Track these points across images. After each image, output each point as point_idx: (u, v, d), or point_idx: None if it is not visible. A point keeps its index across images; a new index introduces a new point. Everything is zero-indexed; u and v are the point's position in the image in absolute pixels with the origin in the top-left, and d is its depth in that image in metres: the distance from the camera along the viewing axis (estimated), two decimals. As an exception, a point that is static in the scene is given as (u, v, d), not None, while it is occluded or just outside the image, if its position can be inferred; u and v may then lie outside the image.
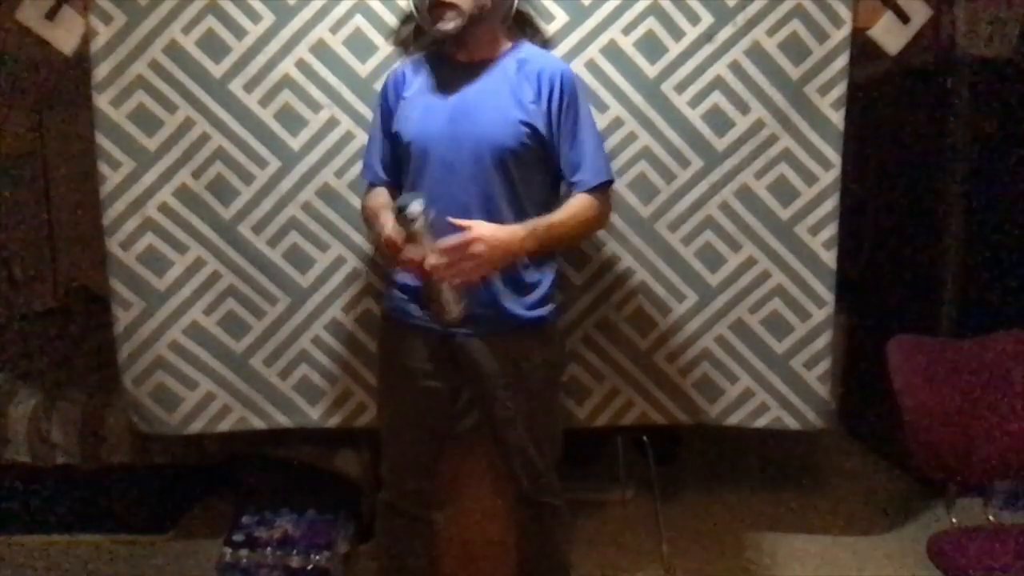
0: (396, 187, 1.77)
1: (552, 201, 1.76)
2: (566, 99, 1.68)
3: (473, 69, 1.69)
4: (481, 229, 1.54)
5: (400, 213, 1.52)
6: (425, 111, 1.68)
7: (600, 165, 1.71)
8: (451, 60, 1.72)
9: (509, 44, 1.74)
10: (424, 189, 1.63)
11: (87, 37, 2.00)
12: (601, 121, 2.03)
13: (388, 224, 1.58)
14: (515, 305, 1.69)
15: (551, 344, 1.80)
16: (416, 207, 1.50)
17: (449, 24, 1.61)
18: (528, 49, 1.75)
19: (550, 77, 1.67)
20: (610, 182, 1.74)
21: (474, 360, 1.71)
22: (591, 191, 1.69)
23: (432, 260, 1.52)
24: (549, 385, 1.81)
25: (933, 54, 3.05)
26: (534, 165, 1.69)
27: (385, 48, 2.02)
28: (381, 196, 1.76)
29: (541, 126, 1.65)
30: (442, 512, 2.10)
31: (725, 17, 2.02)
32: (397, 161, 1.75)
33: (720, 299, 2.15)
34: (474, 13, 1.63)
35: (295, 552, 2.23)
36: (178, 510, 2.70)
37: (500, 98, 1.65)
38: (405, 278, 1.71)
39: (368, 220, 1.81)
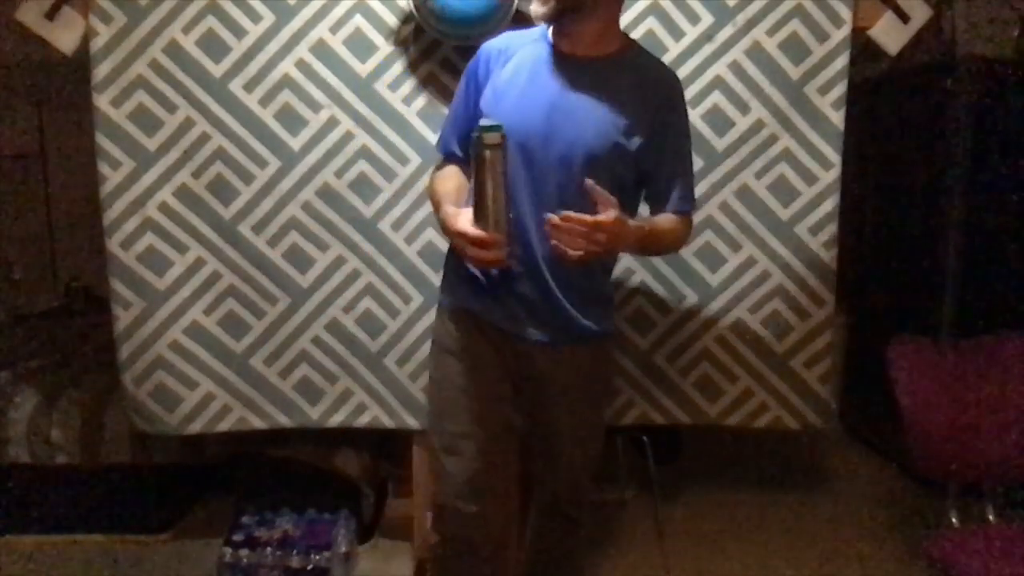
0: (467, 163, 1.60)
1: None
2: (677, 114, 1.60)
3: (579, 64, 1.54)
4: (612, 213, 1.38)
5: (478, 136, 1.42)
6: (520, 101, 1.53)
7: (692, 190, 1.64)
8: (556, 48, 1.56)
9: (621, 42, 1.59)
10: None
11: (87, 37, 2.00)
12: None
13: (458, 220, 1.47)
14: (586, 317, 1.60)
15: (609, 358, 1.77)
16: (496, 136, 1.42)
17: (542, 8, 1.49)
18: (644, 54, 1.61)
19: (667, 90, 1.57)
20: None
21: (538, 367, 1.62)
22: (681, 212, 1.61)
23: (555, 219, 1.37)
24: (602, 398, 1.77)
25: (933, 54, 3.05)
26: (613, 167, 1.54)
27: (385, 48, 2.02)
28: (448, 181, 1.63)
29: (640, 137, 1.53)
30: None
31: (725, 17, 2.02)
32: None
33: (720, 299, 2.15)
34: (567, 5, 1.49)
35: (295, 552, 2.23)
36: (178, 510, 2.69)
37: (604, 103, 1.52)
38: (475, 272, 1.59)
39: (433, 204, 1.67)
